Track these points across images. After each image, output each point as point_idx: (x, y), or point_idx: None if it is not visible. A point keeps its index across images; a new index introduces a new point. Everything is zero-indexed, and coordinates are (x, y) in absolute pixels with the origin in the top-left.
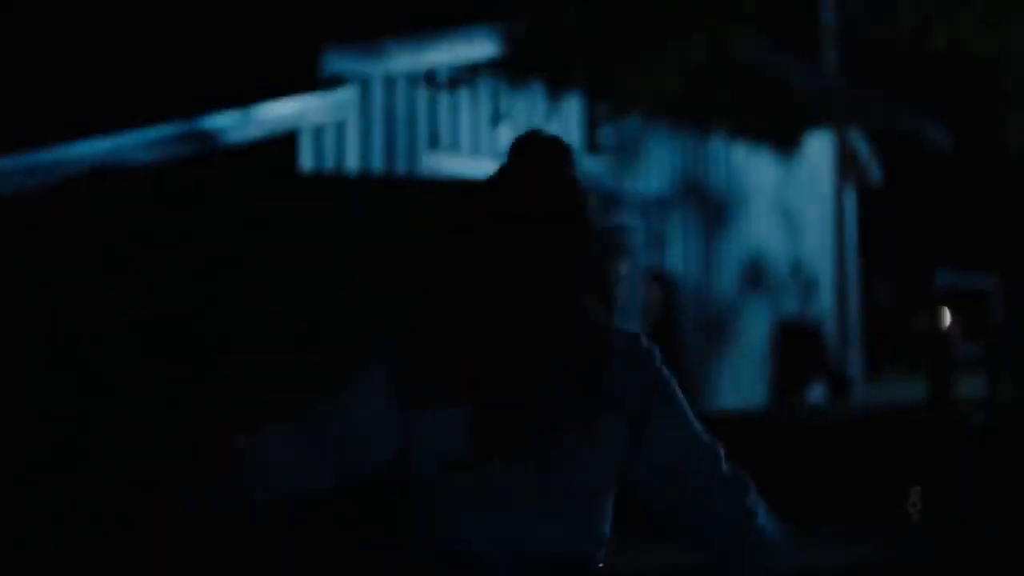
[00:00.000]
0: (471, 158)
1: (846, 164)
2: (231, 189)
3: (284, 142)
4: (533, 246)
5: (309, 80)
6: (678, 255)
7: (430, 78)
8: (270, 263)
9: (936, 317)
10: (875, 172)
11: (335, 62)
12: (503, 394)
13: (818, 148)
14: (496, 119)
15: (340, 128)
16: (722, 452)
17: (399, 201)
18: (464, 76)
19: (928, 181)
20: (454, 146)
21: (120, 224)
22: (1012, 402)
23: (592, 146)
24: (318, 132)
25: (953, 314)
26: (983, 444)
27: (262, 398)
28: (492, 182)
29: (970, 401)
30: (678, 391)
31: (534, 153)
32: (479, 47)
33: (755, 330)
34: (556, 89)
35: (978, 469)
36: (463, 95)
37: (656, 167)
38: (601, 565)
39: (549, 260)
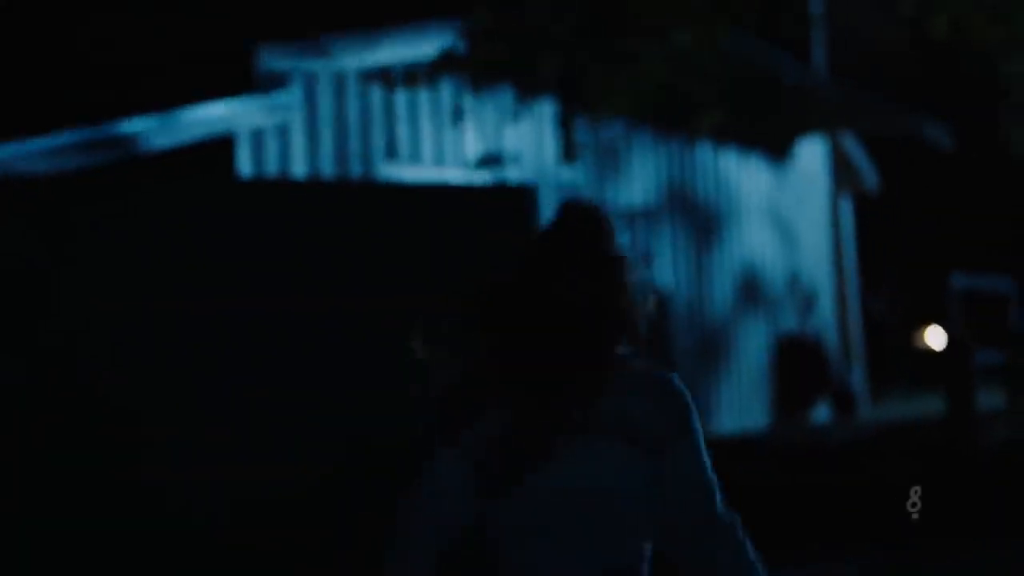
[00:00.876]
0: (435, 167)
1: (841, 170)
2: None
3: (218, 147)
4: (569, 310)
5: (244, 80)
6: (667, 269)
7: (385, 76)
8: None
9: (953, 326)
10: (871, 178)
11: (273, 60)
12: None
13: (811, 154)
14: (458, 121)
15: (283, 132)
16: (719, 495)
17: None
18: (422, 75)
19: (926, 187)
20: (414, 154)
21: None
22: None
23: (568, 153)
24: (257, 136)
25: (968, 320)
26: (1005, 459)
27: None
28: (538, 245)
29: (990, 414)
30: (698, 431)
31: (574, 223)
32: (437, 43)
33: (752, 347)
34: (526, 90)
35: (1001, 485)
36: (422, 97)
37: (640, 176)
38: None
39: (582, 319)
